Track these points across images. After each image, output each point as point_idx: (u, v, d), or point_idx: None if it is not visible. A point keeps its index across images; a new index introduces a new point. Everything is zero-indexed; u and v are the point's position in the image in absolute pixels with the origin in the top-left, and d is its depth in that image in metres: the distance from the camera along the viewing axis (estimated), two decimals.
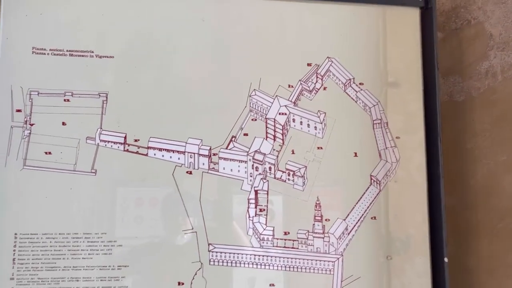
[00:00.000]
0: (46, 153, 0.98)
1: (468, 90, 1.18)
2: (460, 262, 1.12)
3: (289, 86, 1.08)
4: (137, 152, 1.01)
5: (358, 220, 1.07)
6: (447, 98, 1.22)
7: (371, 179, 1.08)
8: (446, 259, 1.04)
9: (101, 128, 1.00)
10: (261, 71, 1.07)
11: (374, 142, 1.09)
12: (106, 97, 1.01)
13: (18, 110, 0.98)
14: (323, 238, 1.05)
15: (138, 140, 1.01)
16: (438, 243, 1.06)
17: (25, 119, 0.98)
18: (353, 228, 1.06)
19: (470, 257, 1.13)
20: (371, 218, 1.07)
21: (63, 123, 0.99)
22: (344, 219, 1.06)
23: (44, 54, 1.00)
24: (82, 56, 1.01)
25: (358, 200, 1.07)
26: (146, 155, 1.01)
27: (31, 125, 0.98)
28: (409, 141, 1.10)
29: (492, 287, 1.09)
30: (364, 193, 1.07)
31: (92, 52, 1.02)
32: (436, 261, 1.06)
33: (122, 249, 0.98)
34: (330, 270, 1.04)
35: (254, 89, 1.07)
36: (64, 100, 1.00)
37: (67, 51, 1.01)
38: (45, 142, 0.98)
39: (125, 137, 1.01)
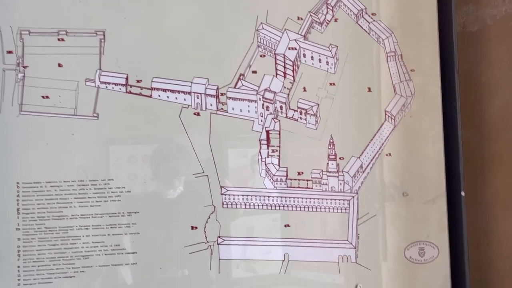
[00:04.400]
0: (43, 97, 0.91)
1: (483, 19, 1.12)
2: (476, 196, 1.10)
3: (298, 18, 1.01)
4: (140, 94, 0.95)
5: (373, 157, 1.03)
6: (460, 29, 1.16)
7: (386, 114, 1.04)
8: (463, 193, 1.02)
9: (100, 69, 0.93)
10: (268, 2, 1.00)
11: (389, 76, 1.04)
12: (104, 35, 0.94)
13: (9, 52, 0.90)
14: (337, 176, 1.02)
15: (141, 81, 0.95)
16: (454, 177, 1.04)
17: (18, 61, 0.90)
18: (368, 165, 1.03)
19: (486, 191, 1.11)
20: (386, 154, 1.04)
21: (59, 65, 0.92)
22: (359, 157, 1.03)
23: None
24: None
25: (373, 137, 1.03)
26: (150, 96, 0.95)
27: (24, 67, 0.91)
28: (424, 73, 1.05)
29: (508, 221, 1.08)
30: (379, 129, 1.04)
31: None
32: (452, 196, 1.04)
33: (131, 195, 0.94)
34: (345, 209, 1.02)
35: (261, 23, 1.00)
36: (58, 39, 0.92)
37: None
38: (41, 85, 0.91)
39: (126, 78, 0.94)
